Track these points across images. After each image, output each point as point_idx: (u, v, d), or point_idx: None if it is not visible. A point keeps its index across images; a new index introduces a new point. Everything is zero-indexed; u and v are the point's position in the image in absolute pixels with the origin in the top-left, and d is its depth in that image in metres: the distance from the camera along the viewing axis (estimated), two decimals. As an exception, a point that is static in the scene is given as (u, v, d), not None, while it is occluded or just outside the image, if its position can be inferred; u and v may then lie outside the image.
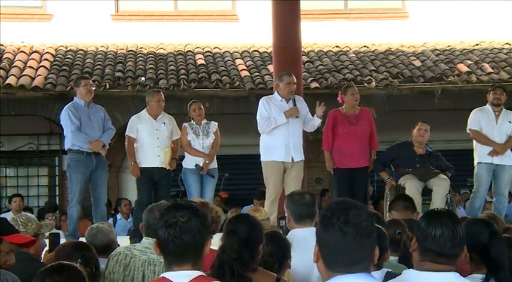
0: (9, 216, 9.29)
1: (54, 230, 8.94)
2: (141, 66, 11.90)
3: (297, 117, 7.44)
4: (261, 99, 7.68)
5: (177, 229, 2.48)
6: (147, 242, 4.02)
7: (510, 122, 7.99)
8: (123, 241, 5.95)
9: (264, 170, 7.57)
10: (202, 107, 8.15)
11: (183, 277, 2.48)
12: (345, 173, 7.83)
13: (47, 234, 4.65)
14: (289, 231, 4.29)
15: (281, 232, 4.54)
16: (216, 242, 4.06)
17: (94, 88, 8.07)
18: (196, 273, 2.51)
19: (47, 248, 4.60)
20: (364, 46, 13.36)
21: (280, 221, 7.29)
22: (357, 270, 2.21)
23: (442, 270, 2.66)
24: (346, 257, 2.21)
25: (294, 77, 7.61)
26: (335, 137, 7.89)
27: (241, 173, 12.08)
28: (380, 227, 3.55)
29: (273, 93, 7.87)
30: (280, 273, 3.52)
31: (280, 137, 7.43)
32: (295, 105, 7.45)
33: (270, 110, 7.47)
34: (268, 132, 7.47)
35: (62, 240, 5.41)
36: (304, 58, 11.80)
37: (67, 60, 12.12)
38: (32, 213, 10.56)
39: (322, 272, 2.28)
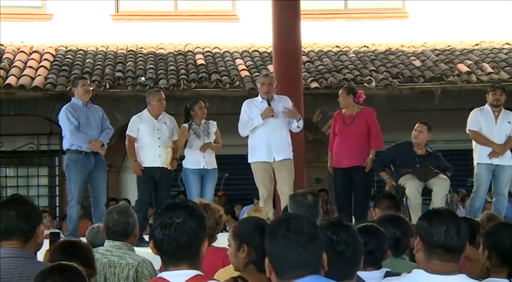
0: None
1: (55, 230, 9.03)
2: (141, 66, 11.91)
3: (272, 116, 7.47)
4: (243, 102, 7.79)
5: (172, 230, 2.48)
6: (108, 244, 4.07)
7: (509, 122, 7.97)
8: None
9: (253, 171, 7.68)
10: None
11: (179, 276, 2.48)
12: (340, 173, 7.88)
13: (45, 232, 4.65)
14: None
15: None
16: (222, 241, 4.08)
17: (92, 88, 8.08)
18: (193, 272, 2.51)
19: (47, 248, 4.60)
20: (364, 46, 13.36)
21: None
22: (306, 273, 2.29)
23: (449, 272, 2.73)
24: (294, 263, 2.30)
25: (270, 78, 7.71)
26: (335, 138, 7.98)
27: (241, 173, 12.02)
28: (379, 228, 3.55)
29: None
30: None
31: (261, 137, 7.53)
32: (269, 105, 7.49)
33: (250, 112, 7.58)
34: (246, 134, 7.63)
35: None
36: (304, 58, 11.80)
37: (67, 60, 12.12)
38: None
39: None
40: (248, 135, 7.70)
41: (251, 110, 7.60)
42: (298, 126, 7.69)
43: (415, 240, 2.86)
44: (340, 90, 8.10)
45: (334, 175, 8.07)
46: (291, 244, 2.29)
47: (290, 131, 7.72)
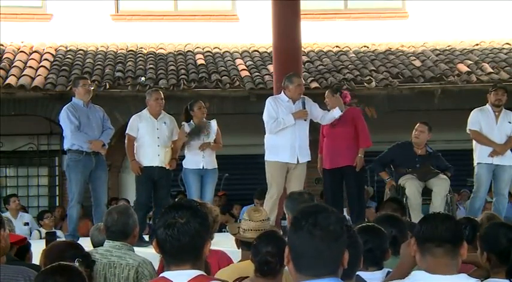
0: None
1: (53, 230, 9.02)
2: (141, 66, 11.91)
3: (305, 120, 7.40)
4: (268, 99, 7.58)
5: (175, 230, 2.46)
6: (108, 245, 4.07)
7: (510, 122, 7.98)
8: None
9: (268, 169, 7.47)
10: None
11: (182, 276, 2.48)
12: (329, 174, 7.81)
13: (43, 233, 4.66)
14: None
15: (283, 232, 4.56)
16: (217, 241, 4.09)
17: (93, 88, 8.07)
18: (196, 272, 2.50)
19: (44, 248, 4.60)
20: (364, 46, 13.36)
21: (282, 222, 7.28)
22: (324, 273, 2.23)
23: (447, 271, 2.73)
24: (314, 260, 2.23)
25: (302, 78, 7.56)
26: (324, 139, 7.93)
27: (241, 173, 12.08)
28: (380, 228, 3.55)
29: (272, 94, 7.85)
30: (280, 273, 3.53)
31: (286, 137, 7.34)
32: (305, 108, 7.39)
33: (277, 110, 7.37)
34: (276, 132, 7.36)
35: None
36: (304, 58, 11.80)
37: (67, 60, 12.12)
38: (27, 212, 10.57)
39: (292, 274, 2.30)
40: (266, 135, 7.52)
41: (277, 109, 7.37)
42: (335, 116, 7.58)
43: (411, 243, 2.87)
44: (326, 92, 7.99)
45: (323, 177, 7.97)
46: (315, 241, 2.21)
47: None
